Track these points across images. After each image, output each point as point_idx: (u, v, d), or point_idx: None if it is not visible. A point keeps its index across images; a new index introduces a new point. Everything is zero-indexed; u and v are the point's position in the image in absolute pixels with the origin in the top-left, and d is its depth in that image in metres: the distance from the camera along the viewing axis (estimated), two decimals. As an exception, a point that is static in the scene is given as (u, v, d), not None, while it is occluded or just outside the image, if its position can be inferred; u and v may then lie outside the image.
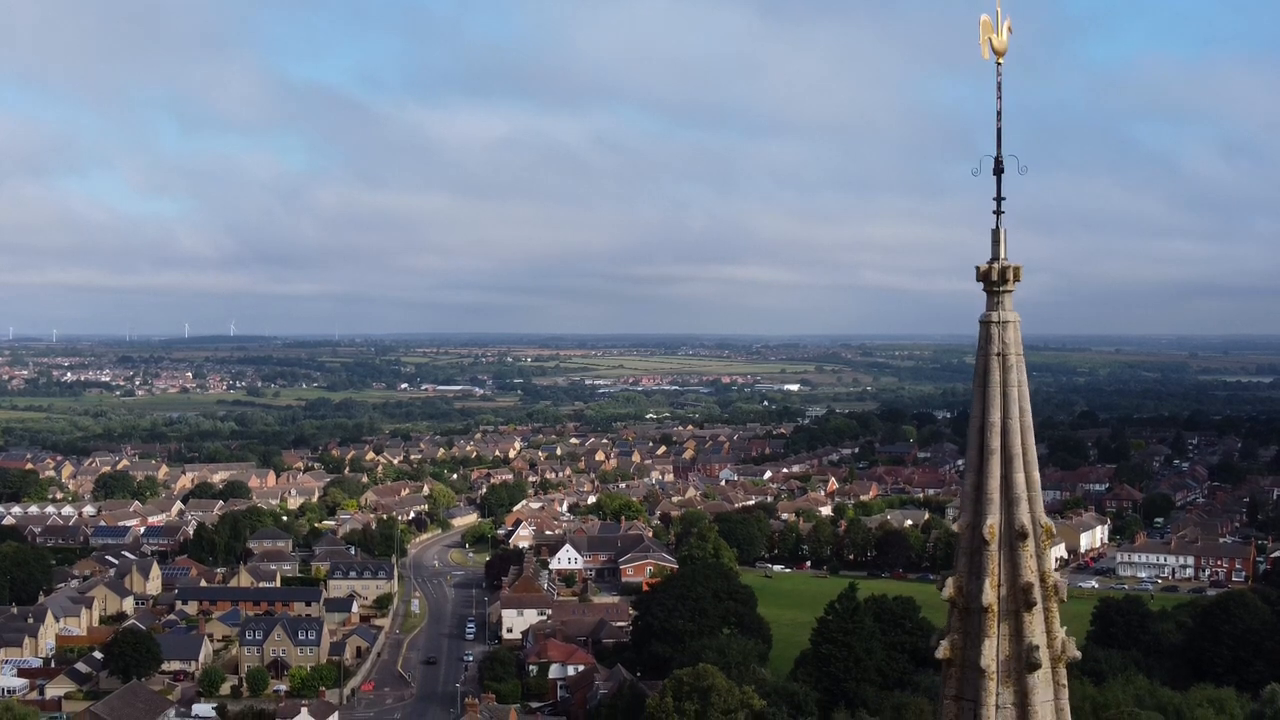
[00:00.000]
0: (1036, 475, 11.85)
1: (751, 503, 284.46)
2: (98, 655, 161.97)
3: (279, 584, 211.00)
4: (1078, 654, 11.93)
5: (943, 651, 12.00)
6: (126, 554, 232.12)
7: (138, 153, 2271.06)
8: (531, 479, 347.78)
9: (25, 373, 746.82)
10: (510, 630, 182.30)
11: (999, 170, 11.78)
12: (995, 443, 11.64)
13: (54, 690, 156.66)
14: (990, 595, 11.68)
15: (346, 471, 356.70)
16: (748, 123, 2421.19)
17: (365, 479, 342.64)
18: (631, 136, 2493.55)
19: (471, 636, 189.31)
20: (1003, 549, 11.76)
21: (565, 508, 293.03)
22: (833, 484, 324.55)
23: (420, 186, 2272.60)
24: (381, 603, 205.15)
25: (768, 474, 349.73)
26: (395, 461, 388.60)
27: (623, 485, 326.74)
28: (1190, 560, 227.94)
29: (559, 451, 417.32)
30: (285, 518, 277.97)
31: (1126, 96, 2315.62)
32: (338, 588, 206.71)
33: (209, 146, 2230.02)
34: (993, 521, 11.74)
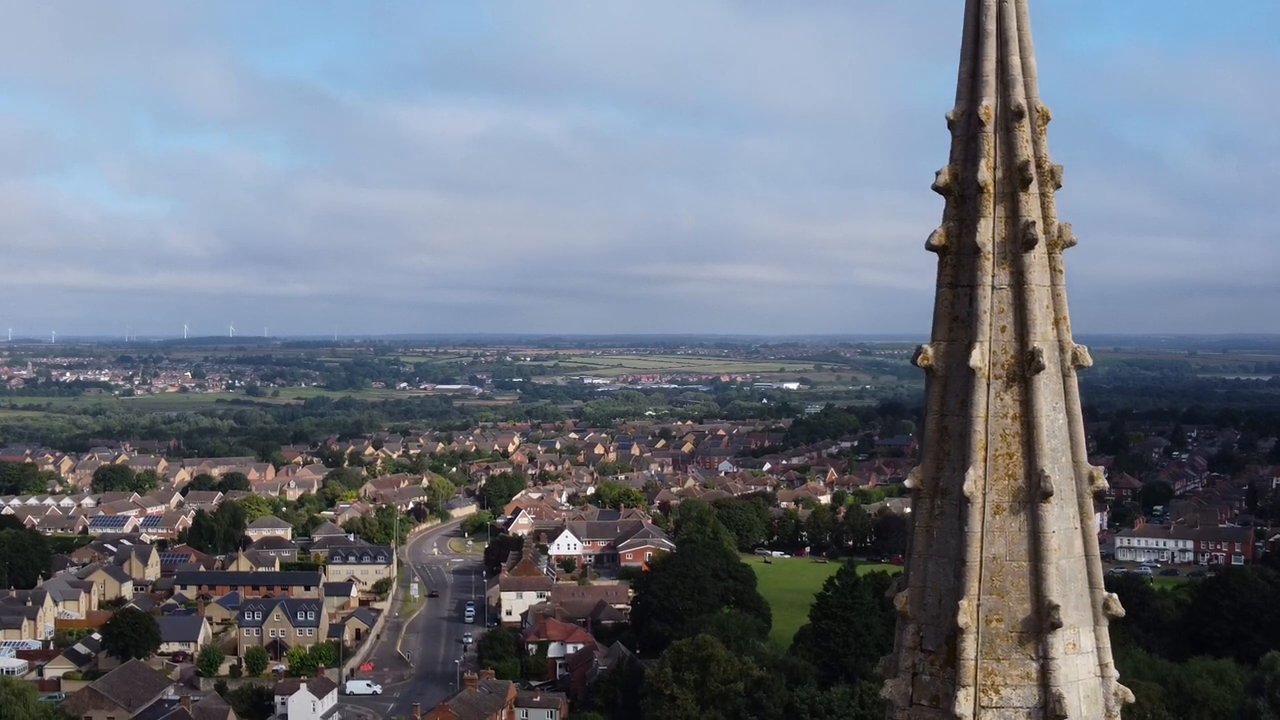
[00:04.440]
0: (1033, 61, 11.88)
1: (750, 491, 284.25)
2: (96, 637, 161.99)
3: (278, 569, 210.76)
4: (1074, 239, 11.96)
5: (936, 239, 12.00)
6: (125, 542, 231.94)
7: (117, 150, 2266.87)
8: (531, 471, 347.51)
9: (24, 373, 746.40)
10: (510, 613, 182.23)
11: None
12: (991, 25, 11.67)
13: (53, 671, 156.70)
14: (986, 175, 11.69)
15: (346, 465, 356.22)
16: (726, 117, 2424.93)
17: (364, 472, 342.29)
18: (609, 131, 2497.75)
19: (470, 619, 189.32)
20: (999, 130, 11.80)
21: (564, 498, 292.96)
22: (832, 474, 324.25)
23: (404, 184, 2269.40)
24: (380, 587, 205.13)
25: (767, 466, 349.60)
26: (395, 456, 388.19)
27: (621, 477, 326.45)
28: (1189, 544, 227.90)
29: (558, 445, 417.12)
30: (284, 508, 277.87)
31: (1108, 89, 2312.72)
32: (337, 573, 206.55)
33: (187, 144, 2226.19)
34: (989, 103, 11.77)
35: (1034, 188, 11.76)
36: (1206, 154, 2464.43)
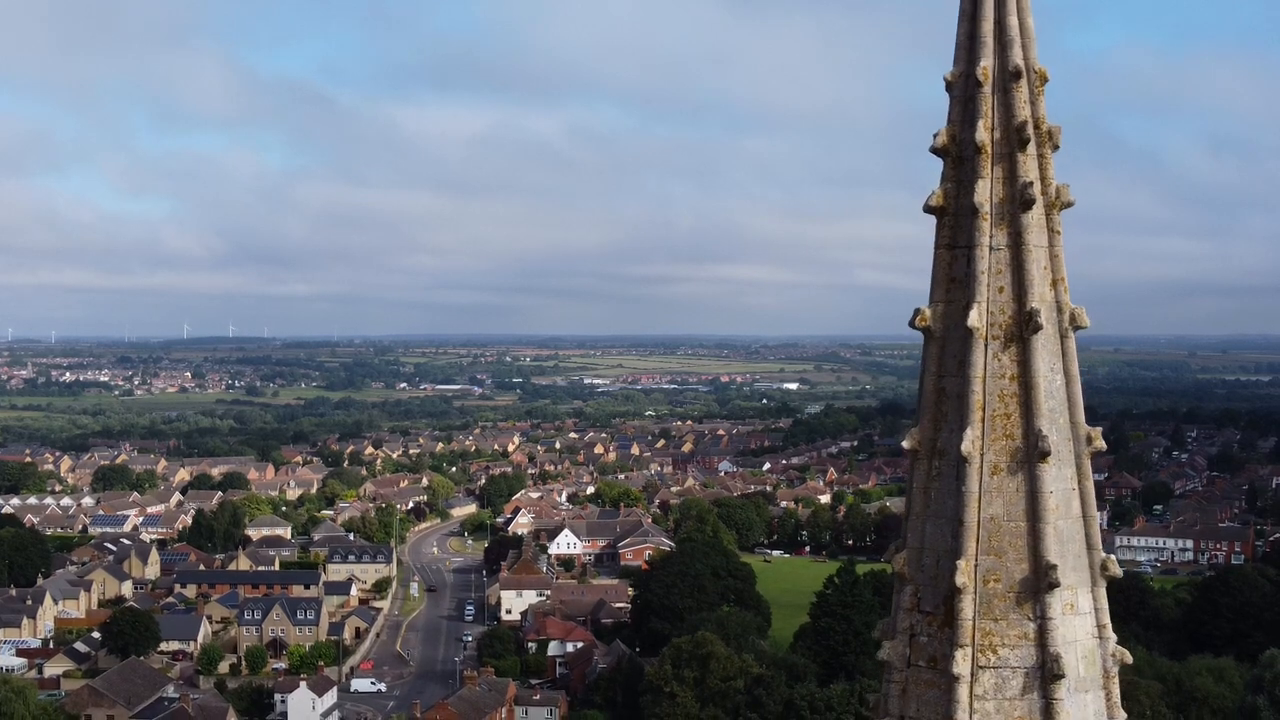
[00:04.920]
0: (1031, 21, 11.89)
1: (750, 491, 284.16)
2: (96, 636, 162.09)
3: (278, 568, 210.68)
4: (1072, 200, 11.97)
5: (934, 200, 12.01)
6: (125, 541, 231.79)
7: (115, 150, 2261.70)
8: (531, 471, 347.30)
9: (24, 373, 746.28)
10: (509, 611, 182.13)
11: None
12: (988, -16, 11.72)
13: (52, 669, 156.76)
14: (983, 135, 11.71)
15: (345, 465, 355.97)
16: (724, 116, 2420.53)
17: (364, 472, 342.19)
18: (608, 131, 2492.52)
19: (470, 618, 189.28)
20: (996, 91, 11.83)
21: (564, 497, 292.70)
22: (831, 474, 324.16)
23: (403, 184, 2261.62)
24: (380, 586, 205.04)
25: (766, 465, 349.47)
26: (394, 456, 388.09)
27: (621, 476, 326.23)
28: (1189, 543, 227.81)
29: (558, 445, 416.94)
30: (284, 508, 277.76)
31: (1106, 89, 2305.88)
32: (336, 571, 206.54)
33: (186, 144, 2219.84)
34: (986, 64, 11.80)
35: (1032, 148, 11.77)
36: (1206, 154, 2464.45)
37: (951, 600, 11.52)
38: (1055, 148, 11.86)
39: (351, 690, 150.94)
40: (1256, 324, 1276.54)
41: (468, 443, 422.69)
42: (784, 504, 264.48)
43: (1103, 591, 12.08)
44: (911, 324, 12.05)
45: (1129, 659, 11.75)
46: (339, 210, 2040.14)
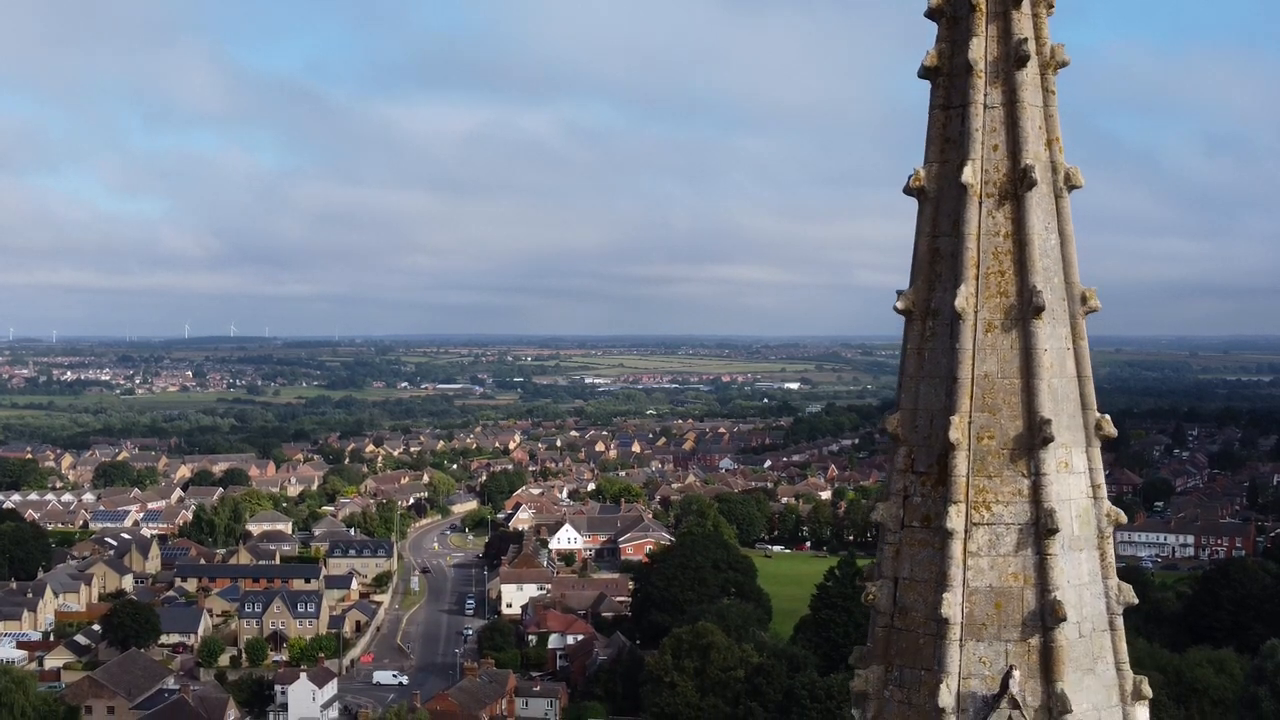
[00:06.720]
0: None
1: (751, 487, 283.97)
2: (96, 628, 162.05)
3: (278, 563, 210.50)
4: (1067, 59, 11.95)
5: (929, 60, 11.99)
6: (126, 536, 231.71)
7: (108, 149, 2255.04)
8: (531, 468, 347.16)
9: (25, 372, 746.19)
10: (510, 605, 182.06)
11: None
12: None
13: (53, 661, 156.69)
14: None
15: (346, 462, 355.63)
16: (718, 115, 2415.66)
17: (365, 469, 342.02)
18: (601, 128, 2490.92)
19: (471, 612, 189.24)
20: None
21: (565, 494, 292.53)
22: (832, 471, 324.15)
23: (398, 183, 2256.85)
24: (380, 580, 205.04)
25: (767, 463, 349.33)
26: (395, 453, 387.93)
27: (622, 473, 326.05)
28: (1190, 539, 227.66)
29: (559, 443, 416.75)
30: (285, 504, 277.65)
31: (1098, 87, 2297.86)
32: (337, 566, 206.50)
33: (178, 143, 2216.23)
34: None
35: (1026, 6, 11.78)
36: (1202, 154, 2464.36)
37: (945, 458, 11.49)
38: (1050, 7, 11.86)
39: (374, 681, 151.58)
40: (1257, 324, 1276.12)
41: (469, 441, 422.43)
42: (785, 500, 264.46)
43: (1097, 452, 12.06)
44: (906, 188, 12.01)
45: (1123, 519, 11.73)
46: (335, 209, 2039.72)
